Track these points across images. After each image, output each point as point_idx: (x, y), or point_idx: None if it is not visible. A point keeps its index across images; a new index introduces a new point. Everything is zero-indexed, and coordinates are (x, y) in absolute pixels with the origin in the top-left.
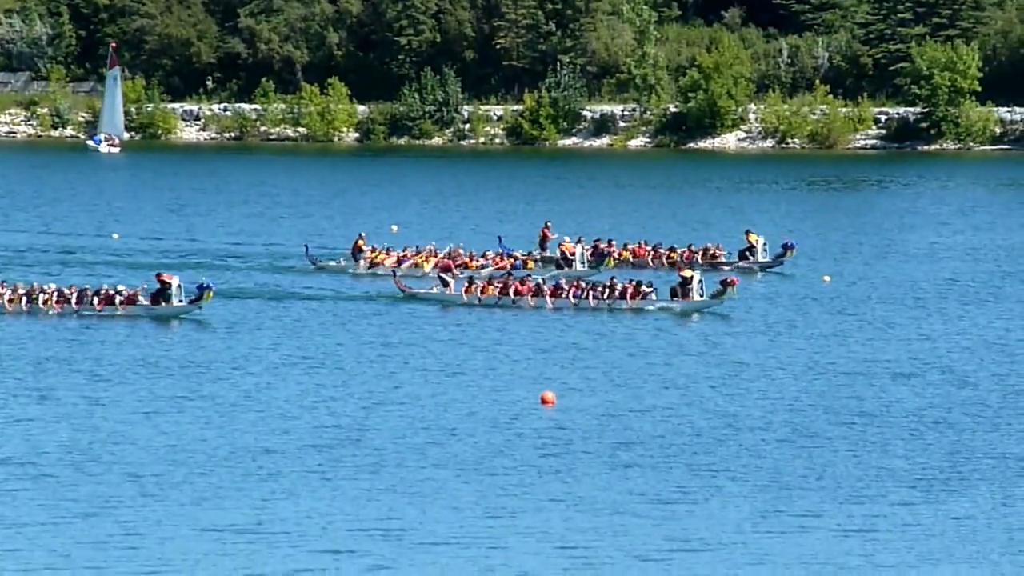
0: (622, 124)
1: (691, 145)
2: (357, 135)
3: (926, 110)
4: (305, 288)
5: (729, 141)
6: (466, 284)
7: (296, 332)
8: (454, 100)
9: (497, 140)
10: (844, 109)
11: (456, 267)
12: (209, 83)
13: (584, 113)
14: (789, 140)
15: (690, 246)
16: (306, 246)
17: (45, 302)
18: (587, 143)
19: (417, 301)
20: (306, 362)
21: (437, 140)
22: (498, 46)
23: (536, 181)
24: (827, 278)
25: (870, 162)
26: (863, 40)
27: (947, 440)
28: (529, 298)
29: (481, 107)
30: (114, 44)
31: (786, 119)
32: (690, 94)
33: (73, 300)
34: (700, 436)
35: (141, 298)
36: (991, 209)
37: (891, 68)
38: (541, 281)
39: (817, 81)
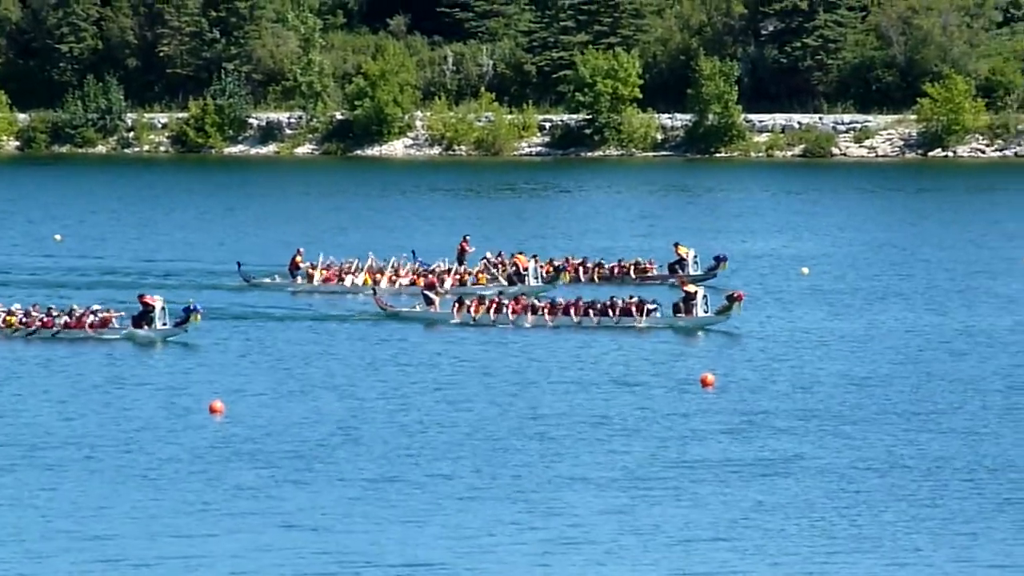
0: (289, 132)
1: (358, 152)
2: (18, 144)
3: (589, 117)
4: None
5: (396, 148)
6: (456, 303)
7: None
8: (117, 108)
9: (162, 148)
10: (509, 116)
11: (440, 284)
12: None
13: (250, 120)
14: (456, 147)
15: (620, 260)
16: (238, 263)
17: (9, 324)
18: (254, 151)
19: (399, 320)
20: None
21: (101, 148)
22: (161, 54)
23: (207, 189)
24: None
25: (536, 168)
26: (527, 48)
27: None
28: (529, 317)
29: (145, 115)
30: None
31: (452, 126)
32: (356, 101)
33: (44, 321)
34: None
35: (114, 322)
36: (656, 213)
37: (555, 75)
38: (536, 299)
39: (482, 88)
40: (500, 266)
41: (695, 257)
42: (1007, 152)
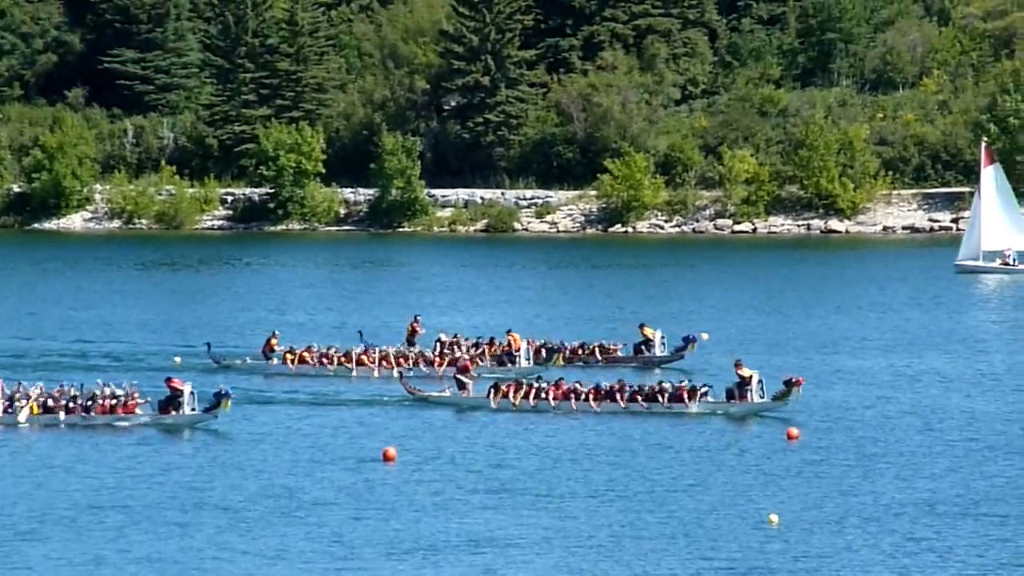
0: None
1: (36, 225)
2: None
3: (272, 191)
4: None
5: (75, 221)
6: (492, 388)
7: None
8: None
9: None
10: (191, 189)
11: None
12: None
13: None
14: (136, 220)
15: (583, 343)
16: (208, 344)
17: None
18: None
19: (428, 406)
20: None
21: None
22: None
23: None
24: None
25: (218, 242)
26: (208, 121)
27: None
28: (572, 403)
29: None
30: None
31: (132, 199)
32: (34, 174)
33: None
34: None
35: (138, 409)
36: (341, 287)
37: (237, 149)
38: (578, 384)
39: (163, 161)
40: (456, 346)
41: (662, 338)
42: (685, 228)
